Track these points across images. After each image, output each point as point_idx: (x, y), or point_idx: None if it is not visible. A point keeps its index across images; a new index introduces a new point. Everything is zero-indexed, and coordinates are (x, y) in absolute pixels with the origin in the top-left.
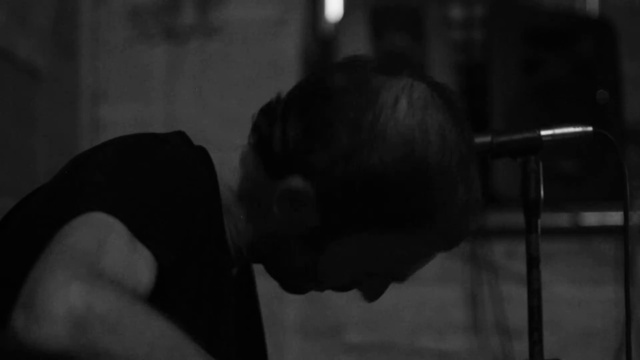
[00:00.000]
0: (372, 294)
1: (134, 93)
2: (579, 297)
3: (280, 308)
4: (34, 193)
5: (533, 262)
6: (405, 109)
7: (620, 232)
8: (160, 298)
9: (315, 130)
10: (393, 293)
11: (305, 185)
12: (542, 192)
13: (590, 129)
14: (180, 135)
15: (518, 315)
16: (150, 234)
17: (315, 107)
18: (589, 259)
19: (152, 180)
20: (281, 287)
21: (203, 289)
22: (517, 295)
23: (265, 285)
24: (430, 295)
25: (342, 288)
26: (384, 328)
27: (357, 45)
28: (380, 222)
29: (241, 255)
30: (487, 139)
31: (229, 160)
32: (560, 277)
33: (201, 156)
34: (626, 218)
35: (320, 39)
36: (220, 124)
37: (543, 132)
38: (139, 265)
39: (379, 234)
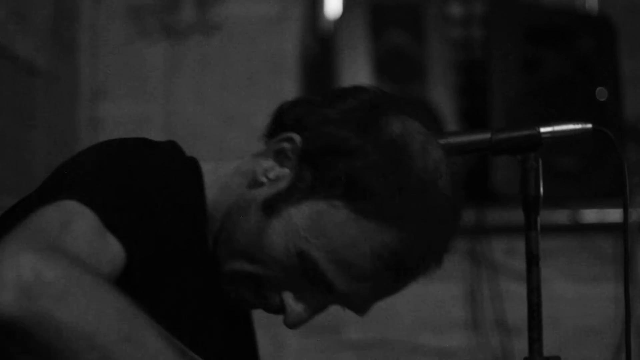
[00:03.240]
0: (296, 313)
1: (133, 91)
2: (579, 295)
3: None
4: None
5: (532, 260)
6: (407, 132)
7: (619, 229)
8: (136, 294)
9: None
10: None
11: (294, 140)
12: (541, 189)
13: (589, 126)
14: (172, 144)
15: (517, 313)
16: (121, 227)
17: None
18: (588, 256)
19: (134, 179)
20: (230, 295)
21: (182, 289)
22: (516, 293)
23: None
24: (429, 293)
25: (276, 286)
26: (383, 325)
27: (356, 42)
28: (345, 196)
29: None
30: (486, 136)
31: (222, 171)
32: (560, 274)
33: (190, 165)
34: (626, 215)
35: (319, 37)
36: (220, 121)
37: (542, 130)
38: (101, 251)
39: (337, 208)
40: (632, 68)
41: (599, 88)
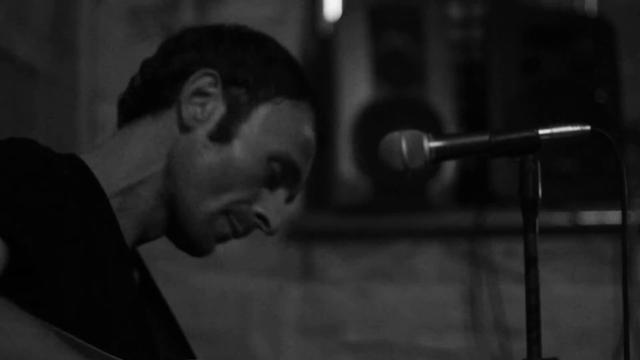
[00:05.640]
0: (276, 211)
1: None
2: (578, 296)
3: (278, 307)
4: None
5: (531, 261)
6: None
7: (618, 231)
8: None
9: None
10: (392, 292)
11: (210, 75)
12: (540, 191)
13: (588, 128)
14: (34, 142)
15: (517, 315)
16: (3, 224)
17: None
18: (587, 258)
19: (17, 177)
20: (191, 244)
21: (92, 272)
22: (516, 295)
23: (264, 284)
24: (429, 295)
25: (248, 205)
26: (382, 327)
27: (356, 44)
28: (280, 91)
29: (148, 234)
30: (485, 138)
31: (107, 155)
32: (559, 276)
33: (71, 161)
34: (624, 217)
35: (319, 38)
36: None
37: (541, 131)
38: None
39: (279, 102)
40: (631, 69)
41: (598, 90)
